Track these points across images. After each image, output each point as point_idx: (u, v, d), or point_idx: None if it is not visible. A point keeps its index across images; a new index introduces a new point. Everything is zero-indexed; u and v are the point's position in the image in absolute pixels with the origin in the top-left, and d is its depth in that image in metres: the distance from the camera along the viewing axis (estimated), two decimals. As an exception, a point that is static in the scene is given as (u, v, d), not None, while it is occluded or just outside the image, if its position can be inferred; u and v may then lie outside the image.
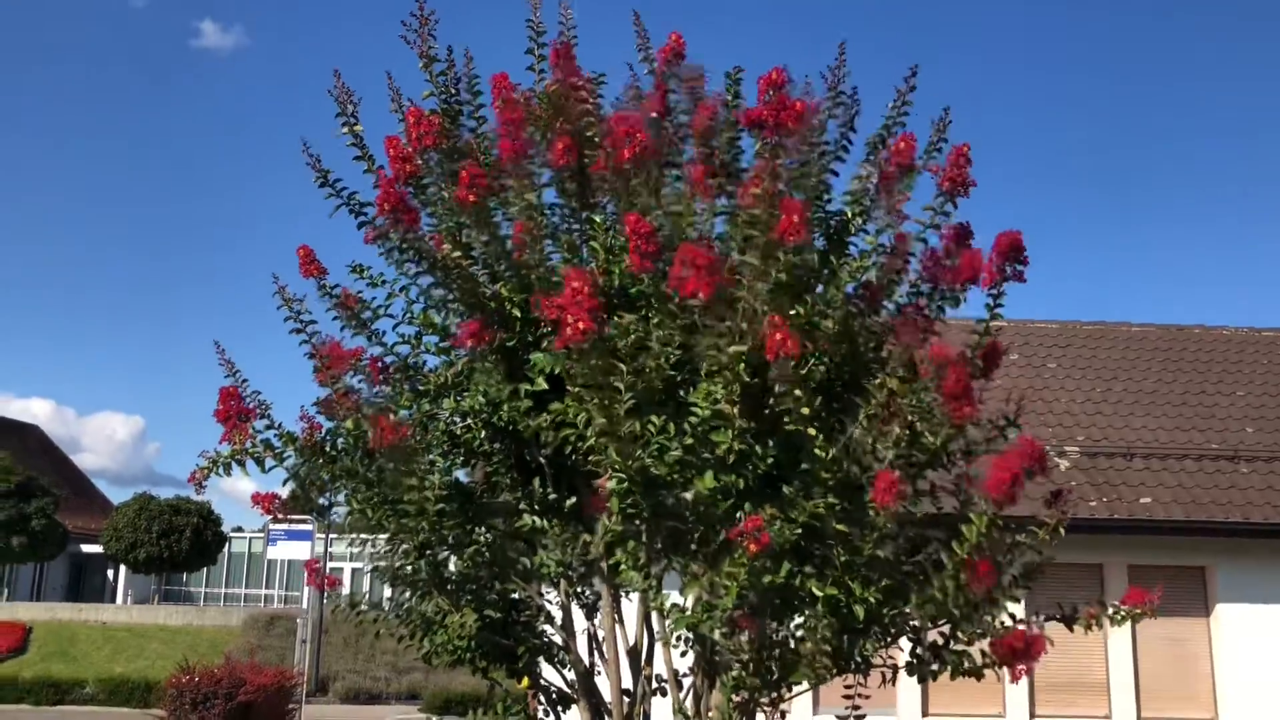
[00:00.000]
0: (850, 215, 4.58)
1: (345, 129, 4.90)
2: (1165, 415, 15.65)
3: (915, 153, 4.31)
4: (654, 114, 4.52)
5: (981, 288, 4.21)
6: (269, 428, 4.61)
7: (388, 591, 5.16)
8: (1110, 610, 4.41)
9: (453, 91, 5.02)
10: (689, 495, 3.90)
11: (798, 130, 3.95)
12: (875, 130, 4.68)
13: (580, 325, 3.49)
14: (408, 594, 4.90)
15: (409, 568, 4.76)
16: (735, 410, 3.77)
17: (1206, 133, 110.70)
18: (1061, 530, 4.22)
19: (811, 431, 3.76)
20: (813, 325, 4.12)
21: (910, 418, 3.95)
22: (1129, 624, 4.42)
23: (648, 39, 4.95)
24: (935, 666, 4.35)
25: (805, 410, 3.69)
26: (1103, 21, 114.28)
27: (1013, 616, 4.32)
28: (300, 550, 28.44)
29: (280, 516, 4.59)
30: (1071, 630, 4.51)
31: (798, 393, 3.68)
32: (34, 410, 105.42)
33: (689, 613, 4.00)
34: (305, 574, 5.25)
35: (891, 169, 4.29)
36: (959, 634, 4.29)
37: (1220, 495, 13.85)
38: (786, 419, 3.79)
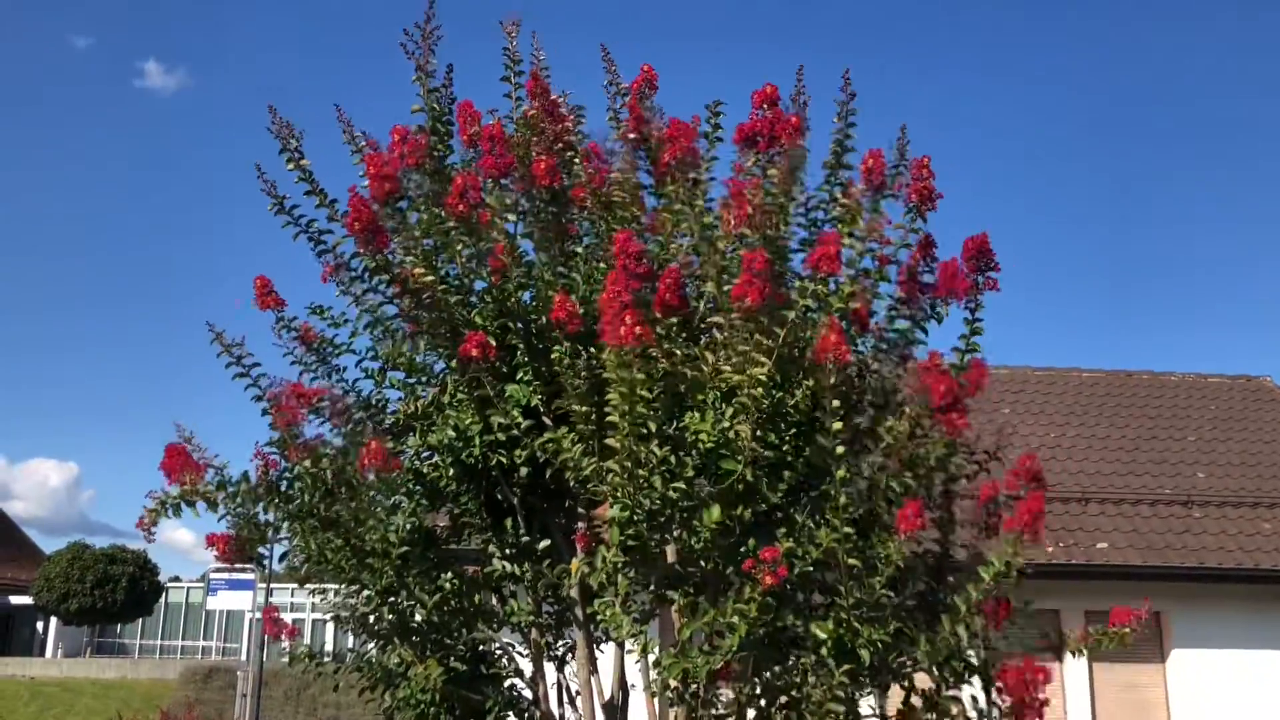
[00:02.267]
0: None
1: (290, 165, 4.73)
2: (1119, 460, 15.76)
3: (885, 169, 4.24)
4: (631, 138, 4.40)
5: (957, 300, 4.15)
6: (220, 485, 4.32)
7: (330, 639, 4.87)
8: (1097, 631, 4.31)
9: (443, 110, 4.87)
10: (686, 530, 3.70)
11: (792, 145, 3.86)
12: (829, 149, 4.53)
13: (636, 329, 3.34)
14: (369, 644, 4.61)
15: (370, 616, 4.48)
16: (749, 436, 3.61)
17: (1150, 181, 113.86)
18: (1027, 569, 4.12)
19: (840, 450, 3.60)
20: (800, 350, 3.96)
21: (902, 446, 3.84)
22: (1116, 645, 4.31)
23: (617, 72, 4.94)
24: (932, 715, 4.16)
25: (837, 425, 3.53)
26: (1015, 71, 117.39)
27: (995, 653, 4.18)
28: (242, 600, 27.63)
29: (234, 561, 4.30)
30: (1061, 660, 4.37)
31: (835, 404, 3.53)
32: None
33: (684, 657, 3.77)
34: (261, 624, 4.96)
35: (861, 188, 4.22)
36: (948, 679, 4.14)
37: (1175, 540, 13.91)
38: (800, 442, 3.64)
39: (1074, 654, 4.38)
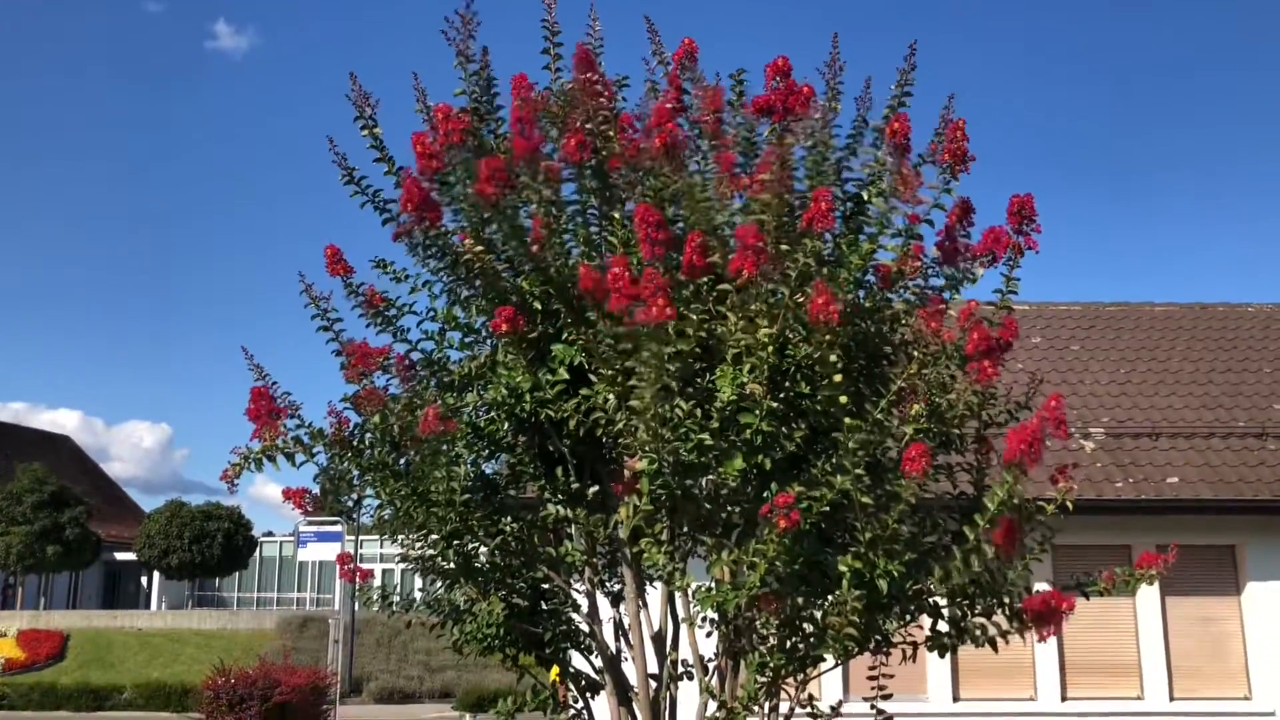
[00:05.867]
0: (867, 198, 4.64)
1: (365, 131, 4.99)
2: (1191, 394, 15.58)
3: (909, 132, 4.38)
4: (670, 109, 4.61)
5: (997, 260, 4.27)
6: (299, 426, 4.71)
7: (418, 584, 5.29)
8: (1124, 574, 4.42)
9: (482, 91, 5.10)
10: (714, 477, 3.98)
11: (805, 114, 4.03)
12: (881, 114, 4.70)
13: (667, 310, 3.60)
14: (438, 583, 5.02)
15: (438, 558, 4.87)
16: (764, 391, 3.86)
17: (1222, 112, 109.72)
18: (1069, 504, 4.23)
19: (844, 400, 3.83)
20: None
21: (929, 393, 4.03)
22: (1146, 588, 4.43)
23: (661, 44, 5.13)
24: (954, 640, 4.40)
25: (838, 379, 3.76)
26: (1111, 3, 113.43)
27: (1029, 589, 4.36)
28: (330, 551, 28.79)
29: (310, 511, 4.70)
30: (1088, 598, 4.52)
31: (834, 359, 3.75)
32: (63, 421, 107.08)
33: (714, 591, 4.08)
34: (337, 572, 5.38)
35: (887, 149, 4.38)
36: (977, 606, 4.35)
37: (1248, 473, 13.77)
38: (816, 394, 3.87)
39: (1103, 593, 4.54)
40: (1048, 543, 4.20)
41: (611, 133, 4.74)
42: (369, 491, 4.92)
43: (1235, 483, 13.61)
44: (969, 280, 4.54)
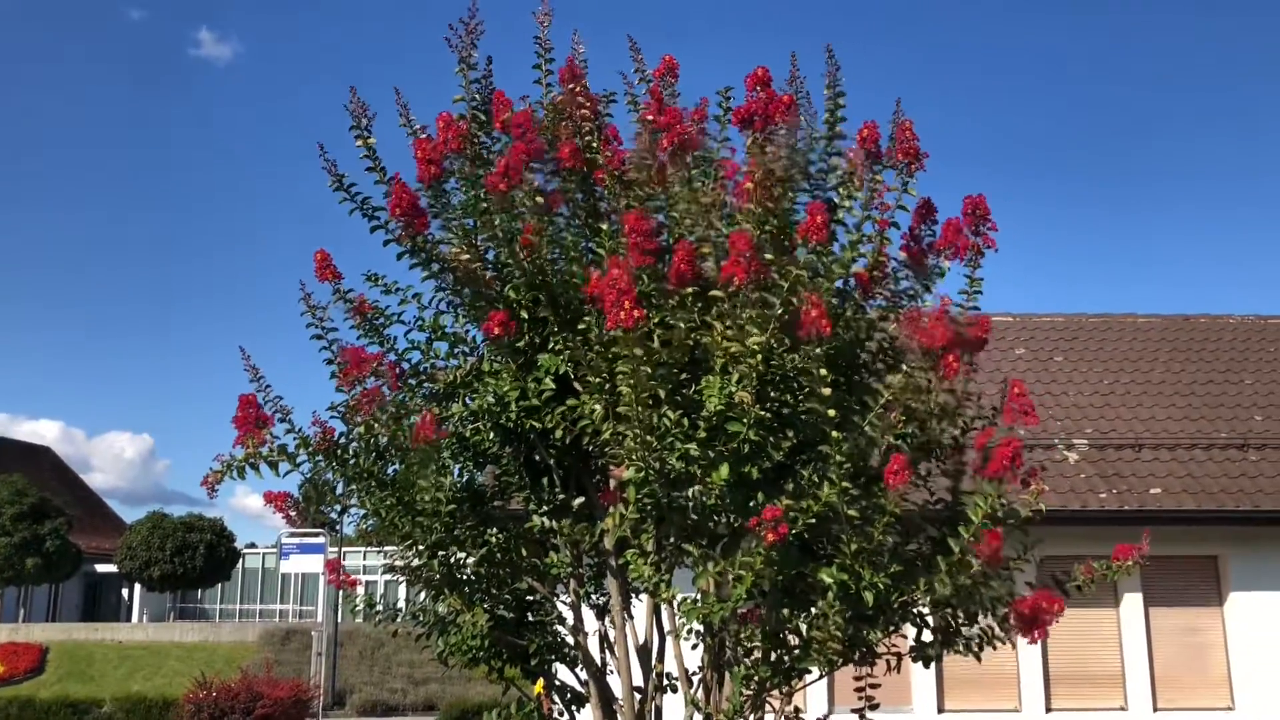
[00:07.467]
0: (839, 200, 4.64)
1: (359, 141, 5.02)
2: (1173, 405, 15.68)
3: (879, 139, 4.43)
4: (650, 119, 4.64)
5: (959, 259, 4.33)
6: (289, 431, 4.68)
7: (401, 595, 5.27)
8: (1102, 568, 4.46)
9: (483, 99, 5.14)
10: (700, 488, 3.98)
11: (786, 122, 4.06)
12: (822, 120, 4.71)
13: (634, 311, 3.61)
14: (422, 594, 5.00)
15: (422, 568, 4.85)
16: (752, 400, 3.86)
17: (1206, 122, 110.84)
18: (1043, 507, 4.26)
19: (831, 413, 3.84)
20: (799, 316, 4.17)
21: (906, 400, 4.04)
22: (1129, 598, 4.46)
23: (643, 60, 5.19)
24: (940, 651, 4.40)
25: (825, 390, 3.77)
26: (1098, 12, 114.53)
27: (1013, 596, 4.38)
28: (313, 564, 28.58)
29: (292, 516, 4.66)
30: (1068, 595, 4.54)
31: (823, 371, 3.76)
32: (43, 431, 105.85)
33: (700, 604, 4.08)
34: (323, 579, 5.36)
35: (856, 151, 4.43)
36: (960, 615, 4.36)
37: (1230, 484, 13.85)
38: (802, 404, 3.88)
39: (1081, 590, 4.56)
40: (1030, 554, 4.21)
41: (596, 145, 4.77)
42: (353, 501, 4.90)
43: (1217, 493, 13.70)
44: (937, 276, 4.59)
